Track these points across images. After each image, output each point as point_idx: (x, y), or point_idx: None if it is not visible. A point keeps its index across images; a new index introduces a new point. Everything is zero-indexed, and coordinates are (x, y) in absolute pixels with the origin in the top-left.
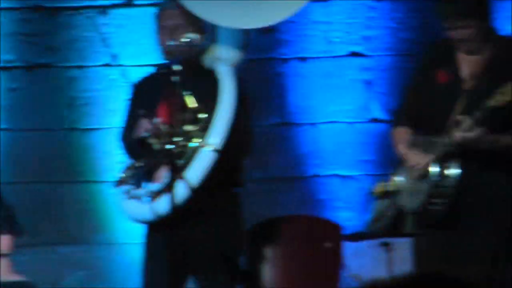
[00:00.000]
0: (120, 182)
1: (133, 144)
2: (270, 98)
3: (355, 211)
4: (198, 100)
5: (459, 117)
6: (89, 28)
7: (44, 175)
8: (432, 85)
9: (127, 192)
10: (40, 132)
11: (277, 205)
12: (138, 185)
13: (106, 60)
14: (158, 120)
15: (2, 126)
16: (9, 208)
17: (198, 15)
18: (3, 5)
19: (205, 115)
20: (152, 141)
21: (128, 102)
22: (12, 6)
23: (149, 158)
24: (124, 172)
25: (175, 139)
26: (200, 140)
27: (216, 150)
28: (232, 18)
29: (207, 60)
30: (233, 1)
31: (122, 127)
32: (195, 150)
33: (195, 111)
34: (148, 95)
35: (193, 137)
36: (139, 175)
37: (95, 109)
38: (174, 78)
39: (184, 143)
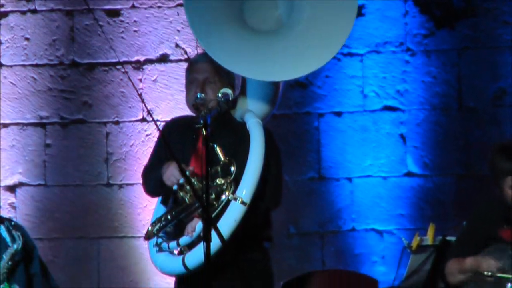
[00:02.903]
0: (148, 235)
1: (154, 182)
2: (306, 152)
3: (390, 265)
4: (228, 153)
5: None
6: (124, 83)
7: (80, 230)
8: (494, 239)
9: (158, 244)
10: (76, 187)
11: (313, 259)
12: (168, 237)
13: (142, 115)
14: (189, 172)
15: (39, 182)
16: (44, 264)
17: (228, 68)
18: (39, 61)
19: (235, 168)
20: (182, 194)
21: (157, 141)
22: (47, 62)
23: (179, 210)
24: (152, 225)
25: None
26: (230, 193)
27: (245, 203)
28: (261, 71)
29: (237, 112)
30: (261, 53)
31: (148, 165)
32: (225, 203)
33: (226, 164)
34: (177, 141)
35: (223, 190)
36: (169, 227)
37: (131, 164)
38: (205, 131)
39: (214, 196)
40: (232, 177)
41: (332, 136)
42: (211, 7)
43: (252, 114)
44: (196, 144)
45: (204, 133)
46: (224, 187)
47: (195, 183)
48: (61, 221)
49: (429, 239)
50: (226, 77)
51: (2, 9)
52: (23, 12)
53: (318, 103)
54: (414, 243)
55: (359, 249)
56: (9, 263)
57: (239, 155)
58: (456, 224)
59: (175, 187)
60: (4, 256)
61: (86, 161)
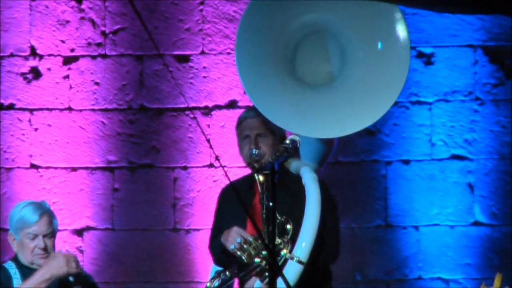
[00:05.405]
0: None
1: (219, 254)
2: (373, 200)
3: None
4: (284, 210)
5: None
6: (193, 129)
7: (146, 275)
8: None
9: None
10: (143, 231)
11: None
12: None
13: (210, 160)
14: (246, 234)
15: (106, 226)
16: None
17: (275, 123)
18: (109, 106)
19: (291, 226)
20: (240, 254)
21: (216, 211)
22: (117, 107)
23: (238, 269)
24: (210, 281)
25: (263, 252)
26: (287, 252)
27: (302, 262)
28: (308, 128)
29: (292, 165)
30: (310, 109)
31: (211, 237)
32: (282, 262)
33: (282, 222)
34: (234, 204)
35: (280, 249)
36: (227, 284)
37: (198, 209)
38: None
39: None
40: (289, 236)
41: (400, 184)
42: (262, 59)
43: (308, 168)
44: (253, 202)
45: (268, 182)
46: (282, 246)
47: (253, 241)
48: (128, 265)
49: None
50: (276, 129)
51: (73, 54)
52: (94, 57)
53: (385, 151)
54: None
55: None
56: None
57: (295, 212)
58: None
59: (232, 247)
60: None
61: (153, 205)
